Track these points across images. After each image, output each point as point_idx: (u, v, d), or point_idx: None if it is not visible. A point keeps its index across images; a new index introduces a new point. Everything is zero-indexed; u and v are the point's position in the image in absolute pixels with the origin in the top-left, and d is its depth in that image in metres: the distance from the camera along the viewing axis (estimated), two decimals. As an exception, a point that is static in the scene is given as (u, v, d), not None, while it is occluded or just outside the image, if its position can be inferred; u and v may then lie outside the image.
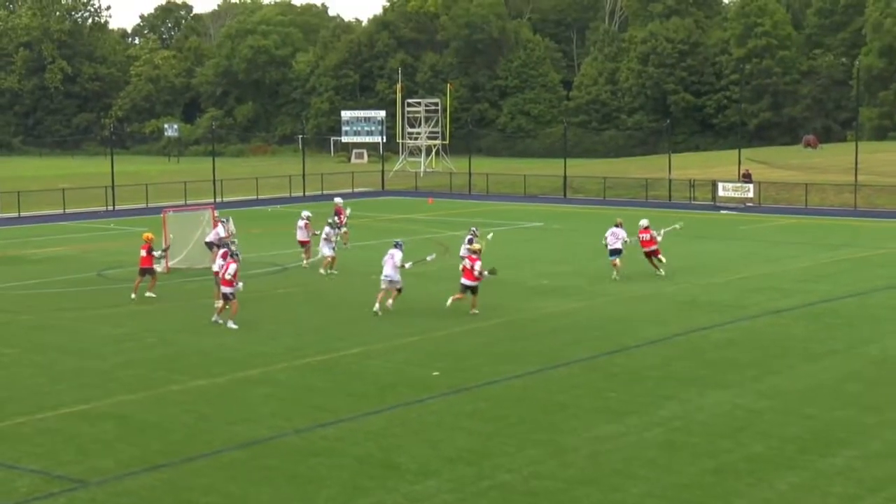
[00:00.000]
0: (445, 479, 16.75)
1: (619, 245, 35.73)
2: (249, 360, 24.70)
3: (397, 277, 30.32)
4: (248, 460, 17.74)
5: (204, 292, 33.73)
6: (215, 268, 30.36)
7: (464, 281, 29.87)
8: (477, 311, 29.70)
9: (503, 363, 24.29)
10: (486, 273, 29.75)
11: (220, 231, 37.30)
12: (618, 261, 35.66)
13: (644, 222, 36.89)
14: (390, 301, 30.28)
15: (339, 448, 18.28)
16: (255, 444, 18.54)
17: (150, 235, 33.82)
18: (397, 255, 30.53)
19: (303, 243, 39.52)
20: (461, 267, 30.40)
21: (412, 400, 21.29)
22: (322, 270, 37.16)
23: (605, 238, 36.06)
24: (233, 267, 28.57)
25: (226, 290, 28.65)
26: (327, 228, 37.76)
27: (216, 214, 40.84)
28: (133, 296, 33.03)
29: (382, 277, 30.44)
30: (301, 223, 39.68)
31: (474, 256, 30.14)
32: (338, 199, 47.73)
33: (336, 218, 42.81)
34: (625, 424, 19.49)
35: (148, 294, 33.08)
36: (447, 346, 26.10)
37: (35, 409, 20.80)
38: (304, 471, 17.20)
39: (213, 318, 28.94)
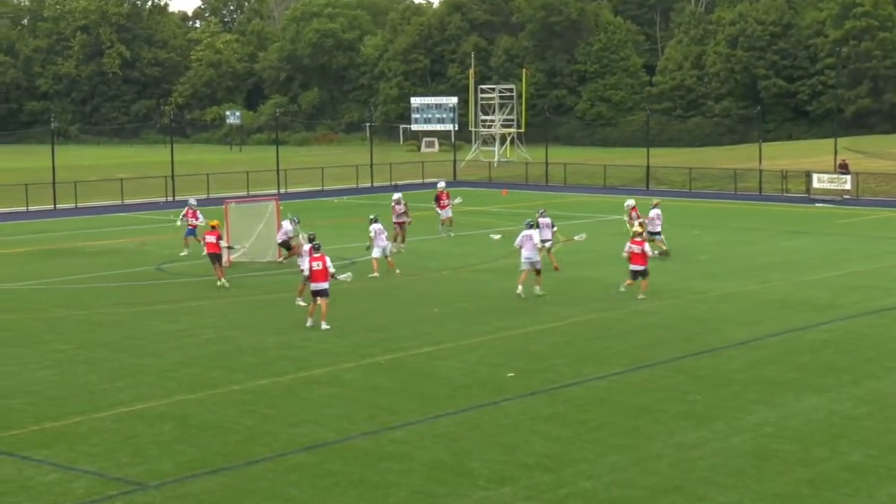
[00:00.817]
0: (521, 487, 16.66)
1: (658, 227, 39.04)
2: (313, 359, 24.81)
3: (538, 257, 31.47)
4: (312, 464, 17.78)
5: (264, 287, 34.00)
6: (303, 266, 29.30)
7: (634, 267, 31.27)
8: (643, 297, 31.02)
9: (583, 364, 24.16)
10: (656, 254, 31.90)
11: (287, 227, 37.62)
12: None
13: (632, 202, 41.14)
14: (537, 287, 31.43)
15: (408, 452, 18.27)
16: (319, 448, 18.59)
17: (216, 222, 35.11)
18: (536, 235, 31.69)
19: (398, 225, 41.83)
20: (627, 254, 31.48)
21: (486, 402, 21.23)
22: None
23: (652, 218, 39.06)
24: (329, 260, 28.18)
25: (323, 285, 27.83)
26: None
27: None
28: (221, 281, 34.04)
29: (523, 259, 31.47)
30: (394, 205, 42.00)
31: (639, 240, 31.42)
32: (440, 184, 49.07)
33: (436, 205, 46.52)
34: (711, 430, 19.28)
35: (220, 283, 33.72)
36: (523, 346, 26.02)
37: (91, 409, 21.04)
38: (371, 476, 17.20)
39: (309, 323, 28.14)
